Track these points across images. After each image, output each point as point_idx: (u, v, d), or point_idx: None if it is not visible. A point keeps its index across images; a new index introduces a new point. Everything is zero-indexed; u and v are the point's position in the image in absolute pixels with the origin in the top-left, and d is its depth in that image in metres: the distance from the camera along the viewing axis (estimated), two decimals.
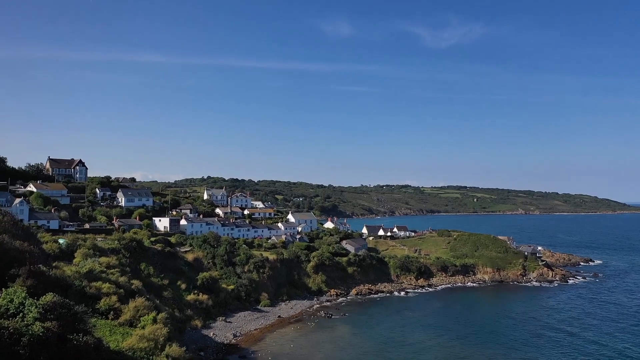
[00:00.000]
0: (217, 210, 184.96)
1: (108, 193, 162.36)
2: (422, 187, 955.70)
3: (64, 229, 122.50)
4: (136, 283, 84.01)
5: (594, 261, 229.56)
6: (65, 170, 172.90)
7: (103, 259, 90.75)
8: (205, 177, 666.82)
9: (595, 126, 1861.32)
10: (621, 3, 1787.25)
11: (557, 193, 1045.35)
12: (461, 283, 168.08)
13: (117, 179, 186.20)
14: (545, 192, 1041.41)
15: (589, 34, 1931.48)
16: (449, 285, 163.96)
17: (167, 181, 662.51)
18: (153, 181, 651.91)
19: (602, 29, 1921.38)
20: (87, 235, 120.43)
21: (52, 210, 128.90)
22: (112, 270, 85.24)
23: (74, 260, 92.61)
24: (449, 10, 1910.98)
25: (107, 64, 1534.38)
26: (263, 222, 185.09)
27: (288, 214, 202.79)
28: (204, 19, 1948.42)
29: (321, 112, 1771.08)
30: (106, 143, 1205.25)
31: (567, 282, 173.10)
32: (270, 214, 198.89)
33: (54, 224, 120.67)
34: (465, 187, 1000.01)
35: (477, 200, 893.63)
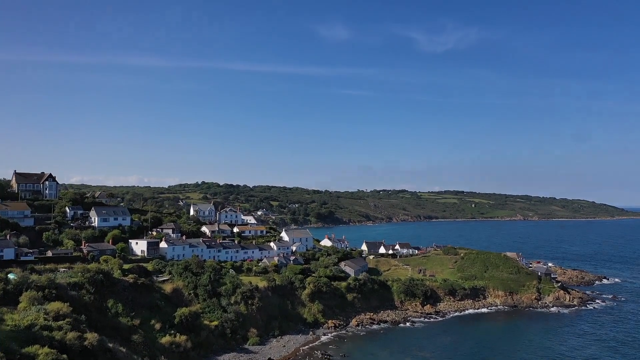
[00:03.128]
0: (204, 229, 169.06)
1: (80, 212, 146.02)
2: (419, 192, 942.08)
3: (22, 257, 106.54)
4: (90, 338, 68.29)
5: (608, 279, 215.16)
6: (33, 186, 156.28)
7: (53, 306, 74.76)
8: (199, 182, 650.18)
9: (591, 130, 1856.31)
10: (616, 6, 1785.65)
11: (554, 198, 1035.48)
12: (471, 308, 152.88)
13: (92, 195, 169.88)
14: (543, 197, 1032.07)
15: (584, 38, 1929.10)
16: (458, 313, 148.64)
17: (161, 186, 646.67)
18: (147, 186, 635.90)
19: (598, 32, 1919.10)
20: (47, 266, 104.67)
21: (8, 236, 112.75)
22: (61, 322, 69.53)
23: (19, 306, 77.01)
24: (444, 15, 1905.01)
25: (101, 67, 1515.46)
26: (254, 241, 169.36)
27: (282, 231, 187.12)
28: (200, 23, 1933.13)
29: (317, 116, 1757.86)
30: (100, 147, 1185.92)
31: (586, 306, 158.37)
32: (262, 231, 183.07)
33: (9, 253, 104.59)
34: (463, 192, 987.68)
35: (474, 205, 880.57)
